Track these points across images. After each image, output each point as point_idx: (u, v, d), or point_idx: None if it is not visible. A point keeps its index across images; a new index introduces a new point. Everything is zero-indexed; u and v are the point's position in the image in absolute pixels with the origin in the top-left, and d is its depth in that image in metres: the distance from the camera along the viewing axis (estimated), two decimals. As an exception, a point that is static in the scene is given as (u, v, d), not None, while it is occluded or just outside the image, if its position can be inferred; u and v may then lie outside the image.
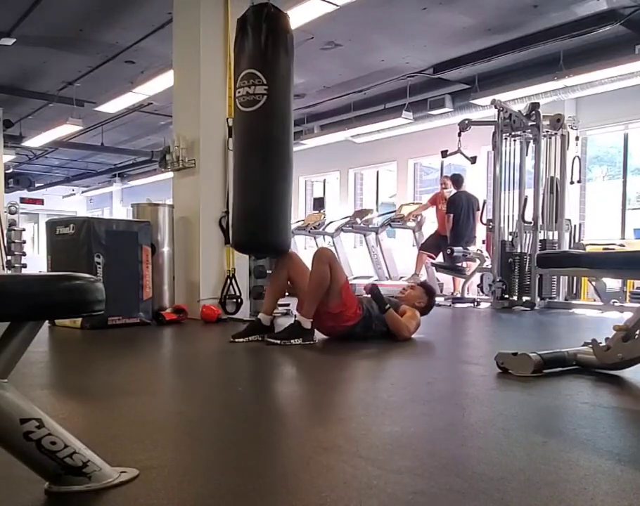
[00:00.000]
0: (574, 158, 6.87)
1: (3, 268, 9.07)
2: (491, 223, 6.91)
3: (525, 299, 6.60)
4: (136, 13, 6.60)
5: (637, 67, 6.84)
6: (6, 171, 11.80)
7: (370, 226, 9.15)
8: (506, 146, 6.88)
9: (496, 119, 6.84)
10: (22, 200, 16.42)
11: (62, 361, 3.39)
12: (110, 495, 1.25)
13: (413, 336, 3.79)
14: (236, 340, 3.65)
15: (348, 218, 9.49)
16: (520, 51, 7.41)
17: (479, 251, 7.44)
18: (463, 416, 1.99)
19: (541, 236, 6.71)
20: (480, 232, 7.75)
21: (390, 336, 3.71)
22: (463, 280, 7.70)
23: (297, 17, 5.76)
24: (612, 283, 6.51)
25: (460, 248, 7.46)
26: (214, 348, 3.83)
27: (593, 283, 6.35)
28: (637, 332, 2.42)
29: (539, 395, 2.29)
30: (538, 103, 6.87)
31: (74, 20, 6.88)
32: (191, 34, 5.19)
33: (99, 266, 4.34)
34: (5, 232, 9.45)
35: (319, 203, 12.92)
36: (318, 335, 3.74)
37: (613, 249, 6.40)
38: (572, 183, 6.91)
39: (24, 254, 10.07)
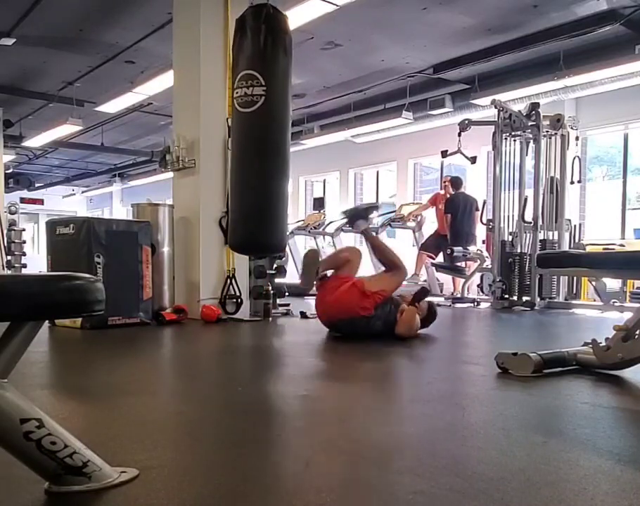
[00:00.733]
0: (574, 158, 6.87)
1: (3, 268, 9.07)
2: (491, 223, 6.91)
3: (525, 299, 6.60)
4: (136, 13, 6.60)
5: (637, 67, 6.83)
6: (6, 171, 11.79)
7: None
8: (506, 146, 6.88)
9: (496, 119, 6.84)
10: (22, 200, 16.41)
11: (62, 361, 3.39)
12: (110, 495, 1.25)
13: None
14: None
15: (348, 218, 9.48)
16: (520, 51, 7.41)
17: (479, 251, 7.44)
18: (463, 416, 1.98)
19: (541, 236, 6.71)
20: (480, 232, 7.75)
21: (388, 332, 3.72)
22: (462, 280, 7.70)
23: (297, 17, 5.77)
24: (612, 283, 6.51)
25: (460, 248, 7.46)
26: (214, 348, 3.84)
27: (593, 283, 6.35)
28: (637, 332, 2.42)
29: (539, 395, 2.29)
30: (538, 103, 6.87)
31: (74, 20, 6.88)
32: (191, 34, 5.18)
33: (99, 266, 4.34)
34: (5, 232, 9.45)
35: (319, 203, 12.91)
36: (319, 335, 3.74)
37: (613, 249, 6.40)
38: (572, 183, 6.91)
39: (24, 254, 10.07)
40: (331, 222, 9.85)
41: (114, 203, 19.47)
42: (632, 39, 6.79)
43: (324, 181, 13.63)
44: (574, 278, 6.84)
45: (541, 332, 5.02)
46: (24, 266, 10.02)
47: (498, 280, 6.63)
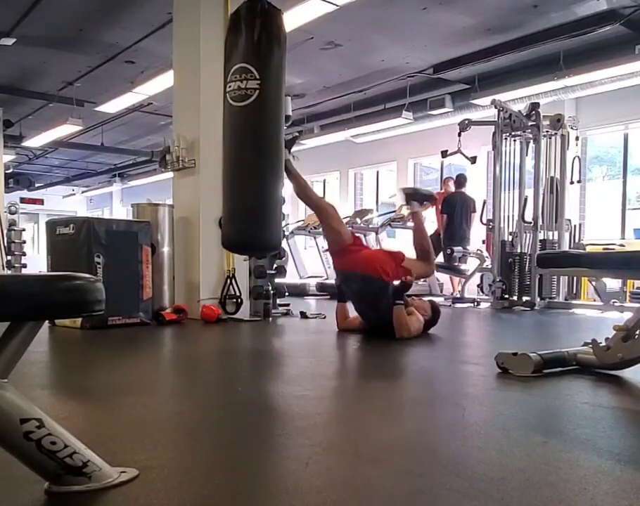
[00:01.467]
0: (574, 158, 6.87)
1: (3, 268, 9.07)
2: (491, 223, 6.91)
3: (525, 299, 6.60)
4: (136, 13, 6.60)
5: (637, 67, 6.84)
6: (6, 171, 11.79)
7: (370, 226, 9.15)
8: (506, 146, 6.88)
9: (496, 119, 6.84)
10: (22, 200, 16.41)
11: (62, 361, 3.39)
12: (110, 495, 1.25)
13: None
14: None
15: (348, 218, 9.48)
16: (520, 51, 7.41)
17: (479, 251, 7.44)
18: (463, 416, 1.98)
19: (541, 236, 6.71)
20: (480, 232, 7.74)
21: (389, 333, 3.71)
22: (461, 280, 7.70)
23: (297, 17, 5.77)
24: (612, 283, 6.51)
25: (460, 248, 7.46)
26: (214, 349, 3.84)
27: (593, 283, 6.36)
28: (637, 332, 2.42)
29: (539, 395, 2.29)
30: (538, 103, 6.87)
31: (74, 20, 6.88)
32: (191, 34, 5.19)
33: (99, 266, 4.34)
34: (5, 232, 9.45)
35: (319, 203, 12.89)
36: (319, 335, 3.74)
37: (613, 249, 6.40)
38: (572, 183, 6.92)
39: (24, 254, 10.07)
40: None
41: (114, 203, 19.48)
42: (632, 39, 6.79)
43: (324, 181, 13.63)
44: (574, 278, 6.84)
45: (541, 332, 5.02)
46: (24, 265, 10.02)
47: (498, 280, 6.63)
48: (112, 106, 9.51)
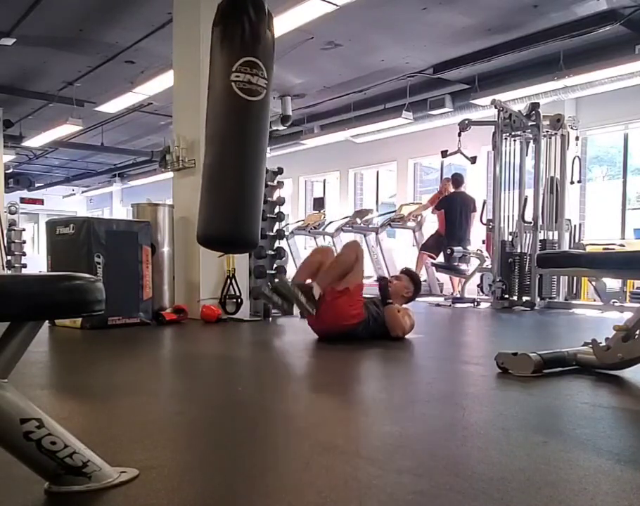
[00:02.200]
0: (574, 158, 6.87)
1: (3, 268, 9.07)
2: (491, 223, 6.91)
3: (525, 299, 6.60)
4: (136, 13, 6.60)
5: (637, 67, 6.83)
6: (6, 171, 11.79)
7: (370, 226, 9.15)
8: (506, 146, 6.88)
9: (496, 119, 6.84)
10: (22, 200, 16.41)
11: (62, 361, 3.39)
12: (110, 495, 1.25)
13: (411, 335, 3.79)
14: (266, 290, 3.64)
15: (348, 218, 9.49)
16: (520, 51, 7.40)
17: (479, 251, 7.44)
18: (463, 416, 1.98)
19: (541, 236, 6.71)
20: (480, 232, 7.74)
21: (385, 334, 3.71)
22: (461, 280, 7.70)
23: (297, 17, 5.77)
24: (612, 283, 6.51)
25: (460, 248, 7.46)
26: (214, 349, 3.83)
27: (593, 283, 6.36)
28: (637, 332, 2.42)
29: (539, 395, 2.29)
30: (538, 103, 6.87)
31: (74, 20, 6.88)
32: (191, 34, 5.18)
33: (99, 266, 4.34)
34: (5, 232, 9.45)
35: (319, 203, 12.91)
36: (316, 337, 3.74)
37: (613, 249, 6.40)
38: (572, 183, 6.91)
39: (24, 254, 10.08)
40: (331, 222, 9.87)
41: (114, 203, 19.48)
42: (632, 39, 6.79)
43: (324, 181, 13.63)
44: (574, 278, 6.84)
45: (541, 332, 5.02)
46: (24, 266, 10.03)
47: (498, 280, 6.63)
48: (112, 106, 9.51)
